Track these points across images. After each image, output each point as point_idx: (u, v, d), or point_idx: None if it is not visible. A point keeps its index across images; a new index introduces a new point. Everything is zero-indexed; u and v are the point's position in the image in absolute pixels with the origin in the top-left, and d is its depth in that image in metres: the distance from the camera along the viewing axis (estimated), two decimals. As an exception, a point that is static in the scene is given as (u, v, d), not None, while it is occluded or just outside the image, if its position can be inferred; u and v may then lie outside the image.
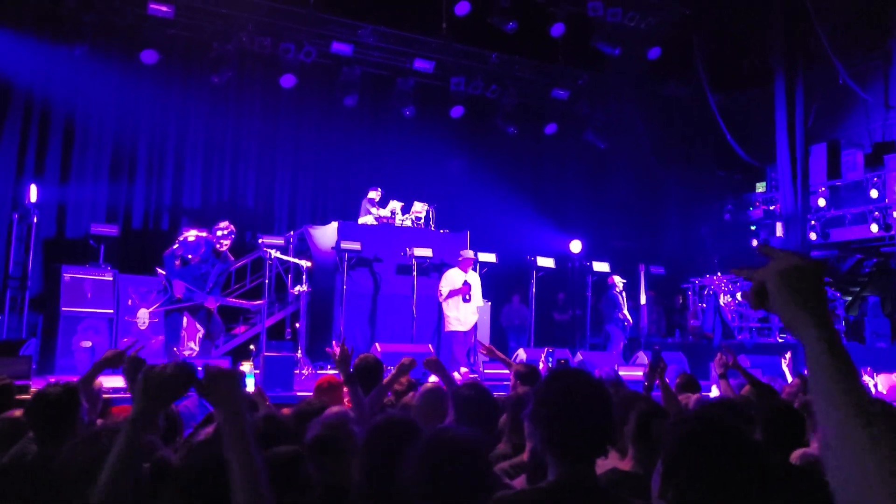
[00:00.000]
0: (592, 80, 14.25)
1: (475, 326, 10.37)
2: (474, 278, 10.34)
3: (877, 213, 13.06)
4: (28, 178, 10.86)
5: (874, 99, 13.86)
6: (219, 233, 8.48)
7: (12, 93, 11.18)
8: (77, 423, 3.44)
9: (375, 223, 11.17)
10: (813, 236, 14.25)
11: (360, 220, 11.26)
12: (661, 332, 13.76)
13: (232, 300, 9.97)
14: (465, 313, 10.13)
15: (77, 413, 3.44)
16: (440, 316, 11.24)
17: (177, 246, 8.45)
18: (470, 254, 10.36)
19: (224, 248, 8.53)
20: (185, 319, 8.85)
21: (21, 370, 7.32)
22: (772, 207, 15.23)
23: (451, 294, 10.09)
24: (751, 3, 13.24)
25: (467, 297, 10.14)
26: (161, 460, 2.32)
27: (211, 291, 8.55)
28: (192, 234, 8.53)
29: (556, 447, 2.20)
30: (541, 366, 7.29)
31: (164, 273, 8.51)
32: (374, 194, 11.37)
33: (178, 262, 8.45)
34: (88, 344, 9.92)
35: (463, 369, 9.42)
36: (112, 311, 10.24)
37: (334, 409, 3.91)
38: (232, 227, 8.60)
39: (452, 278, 10.16)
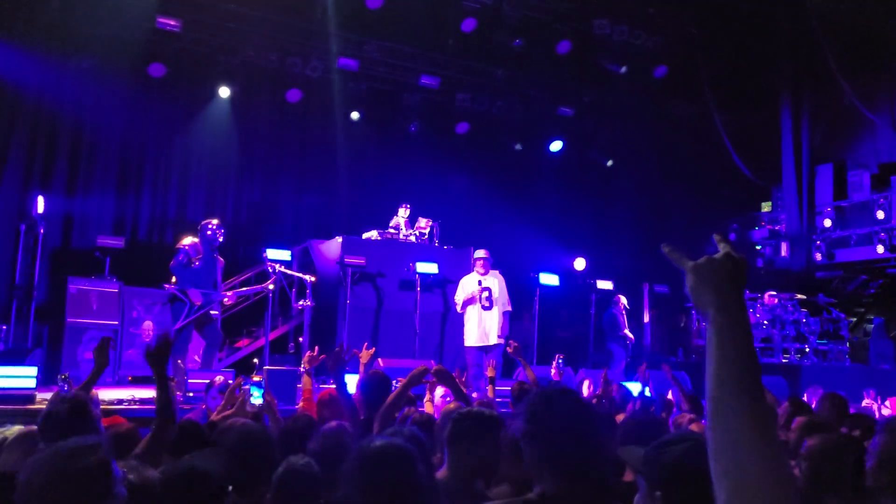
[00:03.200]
0: (598, 98, 14.28)
1: (500, 336, 9.63)
2: (492, 281, 9.85)
3: (883, 234, 13.03)
4: (35, 189, 10.94)
5: (881, 119, 13.84)
6: (208, 232, 8.57)
7: (21, 105, 11.27)
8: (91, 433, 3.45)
9: (379, 238, 11.19)
10: (818, 257, 14.22)
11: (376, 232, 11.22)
12: (664, 350, 13.72)
13: (242, 290, 9.99)
14: (486, 324, 9.55)
15: (89, 424, 3.45)
16: (443, 332, 11.22)
17: (181, 255, 8.45)
18: (482, 253, 9.91)
19: (217, 244, 8.63)
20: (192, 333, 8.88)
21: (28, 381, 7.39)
22: (777, 227, 15.21)
23: (466, 303, 9.79)
24: (758, 23, 13.28)
25: (485, 303, 9.79)
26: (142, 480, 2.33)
27: (216, 288, 8.65)
28: (188, 240, 8.58)
29: (544, 463, 2.21)
30: (553, 372, 7.25)
31: (172, 287, 8.45)
32: (404, 212, 11.36)
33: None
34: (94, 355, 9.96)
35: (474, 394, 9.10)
36: (117, 322, 10.30)
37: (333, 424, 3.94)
38: (218, 221, 8.75)
39: (465, 285, 9.81)
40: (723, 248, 1.32)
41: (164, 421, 3.42)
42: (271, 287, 9.45)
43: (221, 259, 8.82)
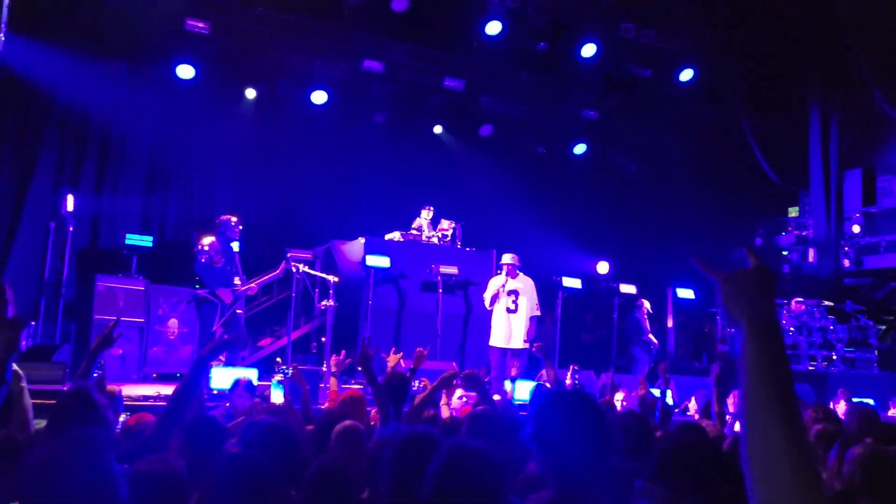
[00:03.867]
0: (623, 101, 14.21)
1: (524, 342, 9.76)
2: (520, 285, 9.94)
3: (913, 240, 12.85)
4: (65, 188, 11.12)
5: (912, 124, 13.64)
6: (227, 230, 8.69)
7: (52, 105, 11.47)
8: (99, 421, 3.49)
9: (402, 239, 11.23)
10: (846, 263, 14.03)
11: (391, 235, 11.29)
12: (688, 356, 13.61)
13: (263, 279, 10.10)
14: (511, 327, 9.71)
15: (95, 412, 3.50)
16: (465, 333, 11.24)
17: (203, 257, 8.52)
18: (508, 258, 10.01)
19: (234, 240, 8.80)
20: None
21: (56, 376, 7.51)
22: (804, 233, 15.02)
23: (492, 300, 9.89)
24: (787, 27, 13.13)
25: (511, 305, 9.85)
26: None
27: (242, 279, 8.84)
28: (207, 240, 8.63)
29: (554, 466, 2.23)
30: (568, 381, 7.25)
31: (202, 290, 8.52)
32: (427, 213, 11.44)
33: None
34: (119, 352, 10.12)
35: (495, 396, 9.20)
36: (143, 319, 10.44)
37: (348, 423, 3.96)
38: (236, 218, 8.87)
39: (491, 284, 10.00)
40: (753, 261, 1.38)
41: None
42: (295, 269, 9.59)
43: (236, 250, 8.96)
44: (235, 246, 8.94)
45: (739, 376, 1.28)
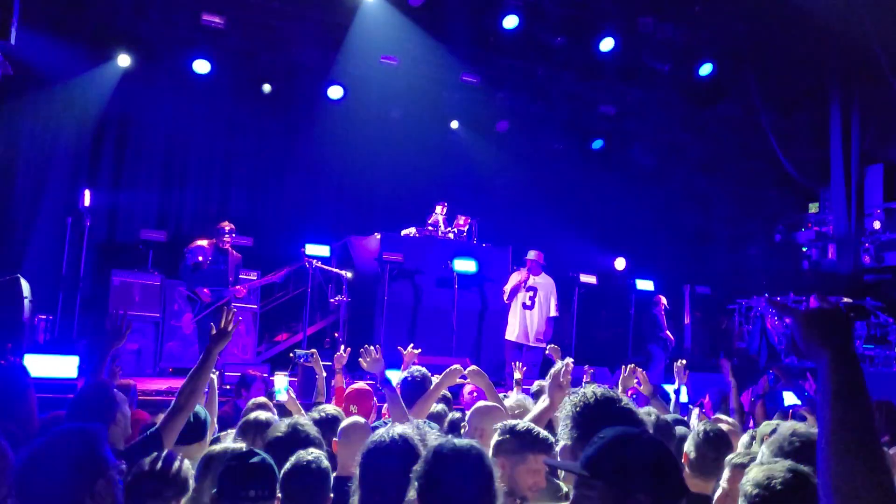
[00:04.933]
0: (641, 96, 14.09)
1: (539, 341, 9.92)
2: (540, 283, 10.07)
3: (934, 237, 12.68)
4: (82, 183, 11.15)
5: (934, 119, 13.46)
6: (223, 235, 9.00)
7: (69, 101, 11.50)
8: (114, 415, 3.49)
9: (418, 235, 11.21)
10: (867, 259, 13.87)
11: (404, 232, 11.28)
12: (705, 353, 13.50)
13: (258, 281, 10.17)
14: (527, 323, 9.86)
15: (110, 407, 3.49)
16: (481, 329, 11.23)
17: (187, 259, 8.91)
18: (532, 254, 10.12)
19: (226, 246, 9.04)
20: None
21: (72, 370, 7.53)
22: (824, 229, 14.85)
23: (511, 293, 9.90)
24: (807, 21, 12.97)
25: (528, 302, 9.90)
26: None
27: (236, 283, 9.08)
28: (198, 242, 9.03)
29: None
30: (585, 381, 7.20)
31: (184, 289, 9.05)
32: (441, 209, 11.44)
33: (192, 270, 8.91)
34: (135, 346, 10.17)
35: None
36: (158, 314, 10.50)
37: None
38: (232, 225, 9.17)
39: (511, 278, 10.10)
40: (827, 304, 1.52)
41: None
42: (310, 265, 9.69)
43: (237, 254, 9.22)
44: (235, 252, 9.23)
45: (820, 410, 1.39)
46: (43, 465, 2.03)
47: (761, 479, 2.17)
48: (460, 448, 2.19)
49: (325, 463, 2.85)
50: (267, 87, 12.47)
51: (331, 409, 4.37)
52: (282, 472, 2.78)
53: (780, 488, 2.12)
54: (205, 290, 8.80)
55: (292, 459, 2.84)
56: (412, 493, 2.13)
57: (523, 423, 3.10)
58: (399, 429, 2.68)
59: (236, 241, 10.55)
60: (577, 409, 2.50)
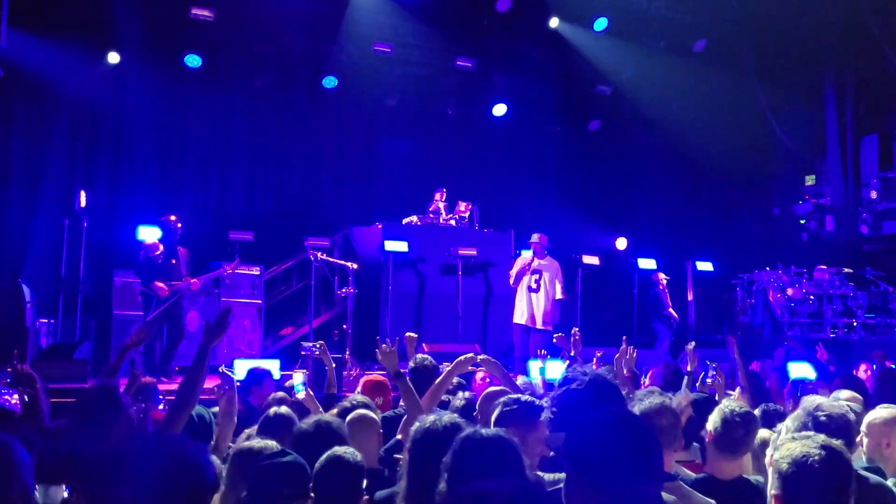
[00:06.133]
0: (636, 75, 14.03)
1: (546, 324, 9.91)
2: (545, 266, 10.07)
3: (931, 205, 12.73)
4: (78, 184, 11.01)
5: (928, 87, 13.48)
6: (169, 227, 9.05)
7: (60, 101, 11.34)
8: (118, 419, 3.43)
9: (419, 223, 11.16)
10: (865, 229, 13.95)
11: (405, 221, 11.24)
12: (709, 329, 13.54)
13: (206, 276, 10.08)
14: (532, 306, 9.86)
15: (117, 408, 3.44)
16: (486, 315, 11.22)
17: (140, 254, 8.93)
18: (536, 237, 10.14)
19: (178, 237, 9.11)
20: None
21: (77, 373, 7.46)
22: (822, 200, 14.91)
23: (517, 277, 9.92)
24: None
25: (533, 285, 9.93)
26: None
27: (188, 275, 9.10)
28: (149, 237, 9.05)
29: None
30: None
31: (139, 284, 8.98)
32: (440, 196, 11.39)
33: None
34: (141, 346, 10.07)
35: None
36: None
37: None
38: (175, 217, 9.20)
39: (517, 261, 10.13)
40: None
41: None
42: (314, 257, 9.73)
43: (184, 249, 9.23)
44: (182, 248, 9.21)
45: None
46: None
47: (798, 455, 2.11)
48: (489, 437, 2.17)
49: (359, 458, 2.82)
50: (260, 80, 12.30)
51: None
52: (314, 468, 2.75)
53: (818, 466, 2.08)
54: (161, 284, 8.76)
55: (326, 456, 2.81)
56: (442, 485, 2.11)
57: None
58: (447, 417, 2.66)
59: (236, 237, 10.51)
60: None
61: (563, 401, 2.52)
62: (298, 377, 5.89)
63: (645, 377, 6.56)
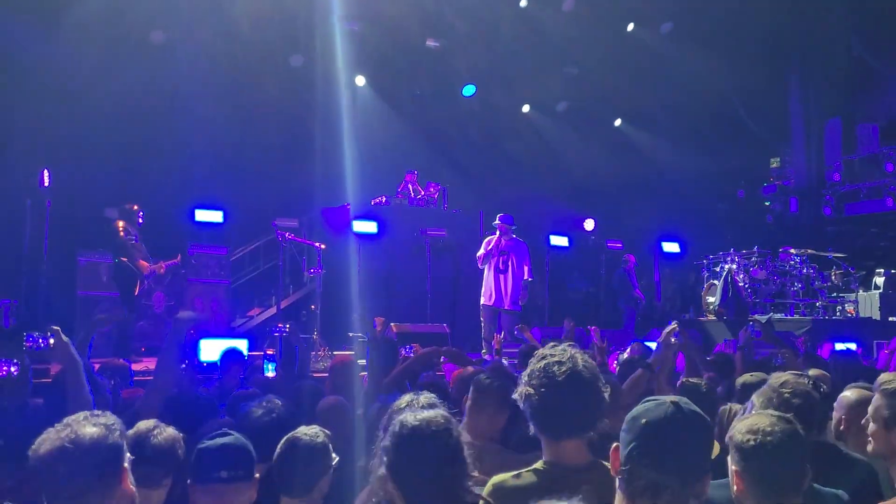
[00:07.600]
0: (604, 57, 14.07)
1: (514, 304, 9.91)
2: (511, 246, 10.02)
3: (892, 187, 12.97)
4: (41, 163, 10.81)
5: (890, 72, 13.69)
6: (136, 217, 9.09)
7: (23, 78, 11.10)
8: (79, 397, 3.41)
9: (388, 203, 11.14)
10: (828, 211, 14.17)
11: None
12: (675, 309, 13.71)
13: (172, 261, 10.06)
14: (500, 286, 9.85)
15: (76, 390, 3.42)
16: (455, 295, 11.25)
17: (122, 234, 8.93)
18: (501, 219, 10.04)
19: (138, 225, 9.15)
20: None
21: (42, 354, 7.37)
22: (786, 182, 15.13)
23: (483, 258, 9.94)
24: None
25: (501, 266, 9.99)
26: None
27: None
28: (121, 224, 8.97)
29: (544, 429, 2.31)
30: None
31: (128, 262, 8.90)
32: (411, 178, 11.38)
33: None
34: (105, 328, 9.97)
35: (484, 352, 9.19)
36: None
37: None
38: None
39: (483, 243, 10.09)
40: None
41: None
42: (282, 238, 9.71)
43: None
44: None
45: None
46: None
47: (755, 430, 2.18)
48: (425, 419, 2.18)
49: (322, 439, 2.81)
50: (228, 58, 12.14)
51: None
52: (276, 451, 2.77)
53: (774, 440, 2.14)
54: (144, 263, 8.83)
55: (286, 439, 2.81)
56: (381, 470, 2.13)
57: None
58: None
59: (206, 218, 10.40)
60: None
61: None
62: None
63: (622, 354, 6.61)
